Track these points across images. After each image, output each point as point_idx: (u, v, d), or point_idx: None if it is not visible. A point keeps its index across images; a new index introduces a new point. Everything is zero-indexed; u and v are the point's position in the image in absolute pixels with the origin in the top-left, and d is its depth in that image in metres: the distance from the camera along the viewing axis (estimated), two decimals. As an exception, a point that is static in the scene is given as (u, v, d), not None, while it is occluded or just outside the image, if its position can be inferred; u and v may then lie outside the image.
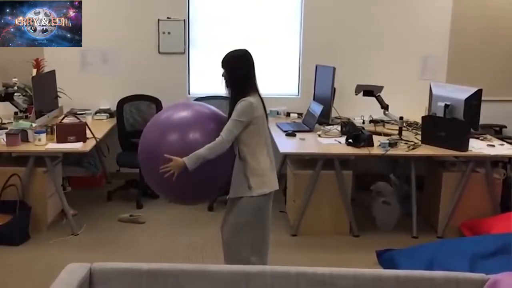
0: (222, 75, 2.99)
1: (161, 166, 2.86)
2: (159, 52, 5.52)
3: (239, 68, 2.97)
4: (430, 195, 4.62)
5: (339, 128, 4.74)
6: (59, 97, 5.17)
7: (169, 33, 5.49)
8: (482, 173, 4.29)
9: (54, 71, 5.08)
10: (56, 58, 5.27)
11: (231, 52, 3.01)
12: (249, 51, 3.02)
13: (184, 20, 5.49)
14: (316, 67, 5.29)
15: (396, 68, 5.53)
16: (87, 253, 3.94)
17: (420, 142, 4.37)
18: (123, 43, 5.47)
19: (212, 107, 3.20)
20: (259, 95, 2.99)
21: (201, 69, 5.63)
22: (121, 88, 5.37)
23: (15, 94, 4.89)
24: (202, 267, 2.44)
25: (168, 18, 5.47)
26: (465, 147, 4.21)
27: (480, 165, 4.29)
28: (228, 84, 2.99)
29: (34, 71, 5.09)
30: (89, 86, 5.49)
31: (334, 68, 4.89)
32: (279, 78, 5.70)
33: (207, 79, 5.61)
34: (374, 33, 5.54)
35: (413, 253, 3.63)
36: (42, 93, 4.71)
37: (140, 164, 3.17)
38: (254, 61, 3.00)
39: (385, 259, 3.73)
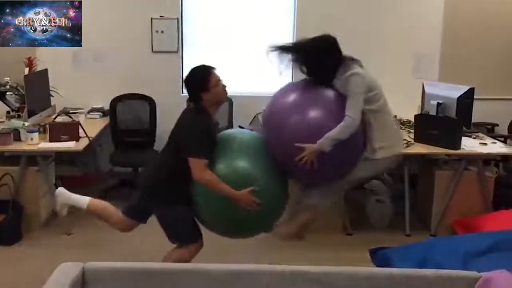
0: (293, 60, 3.12)
1: (296, 158, 2.91)
2: (152, 50, 5.51)
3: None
4: (423, 193, 4.64)
5: (332, 126, 4.74)
6: (52, 96, 5.15)
7: (162, 31, 5.48)
8: (475, 171, 4.31)
9: (46, 70, 5.05)
10: (48, 56, 5.24)
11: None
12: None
13: (177, 18, 5.48)
14: (310, 66, 5.29)
15: (389, 67, 5.52)
16: (80, 253, 3.92)
17: (413, 141, 4.39)
18: (116, 42, 5.45)
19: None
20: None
21: (195, 67, 5.62)
22: (114, 87, 5.36)
23: (7, 93, 4.86)
24: (196, 266, 2.44)
25: (161, 16, 5.46)
26: (457, 145, 4.23)
27: (473, 163, 4.32)
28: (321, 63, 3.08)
29: (27, 70, 5.06)
30: (82, 85, 5.46)
31: (328, 67, 4.89)
32: (272, 76, 5.68)
33: (201, 78, 5.60)
34: (366, 32, 5.55)
35: (406, 251, 3.64)
36: (34, 92, 4.69)
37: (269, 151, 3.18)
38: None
39: (379, 257, 3.73)
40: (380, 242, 3.94)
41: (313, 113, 3.00)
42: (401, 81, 5.48)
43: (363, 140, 3.08)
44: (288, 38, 5.62)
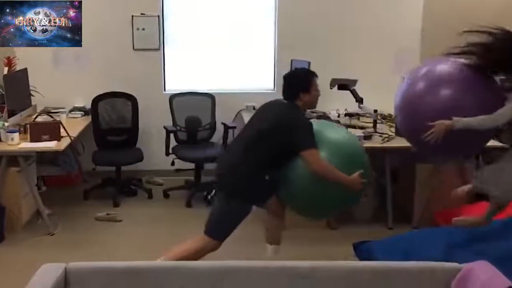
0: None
1: (425, 134, 3.10)
2: (133, 48, 5.48)
3: None
4: (404, 186, 4.68)
5: (315, 122, 4.77)
6: (32, 95, 5.09)
7: (143, 29, 5.45)
8: (455, 164, 4.36)
9: (26, 69, 4.99)
10: (28, 56, 5.18)
11: None
12: None
13: (158, 16, 5.45)
14: (292, 62, 5.31)
15: (370, 62, 5.58)
16: (63, 253, 3.89)
17: (394, 135, 4.43)
18: (97, 40, 5.40)
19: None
20: None
21: (177, 65, 5.60)
22: (96, 86, 5.31)
23: (-14, 93, 4.80)
24: (180, 264, 2.45)
25: (142, 14, 5.42)
26: (438, 138, 4.27)
27: (453, 156, 4.36)
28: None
29: (6, 70, 5.00)
30: (62, 84, 5.41)
31: (309, 63, 4.92)
32: (255, 73, 5.70)
33: (183, 76, 5.59)
34: (348, 28, 5.58)
35: (389, 244, 3.68)
36: (14, 91, 4.63)
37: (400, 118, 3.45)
38: None
39: (362, 251, 3.77)
40: (363, 236, 3.97)
41: (458, 96, 3.14)
42: (383, 76, 5.52)
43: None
44: (270, 34, 5.65)
